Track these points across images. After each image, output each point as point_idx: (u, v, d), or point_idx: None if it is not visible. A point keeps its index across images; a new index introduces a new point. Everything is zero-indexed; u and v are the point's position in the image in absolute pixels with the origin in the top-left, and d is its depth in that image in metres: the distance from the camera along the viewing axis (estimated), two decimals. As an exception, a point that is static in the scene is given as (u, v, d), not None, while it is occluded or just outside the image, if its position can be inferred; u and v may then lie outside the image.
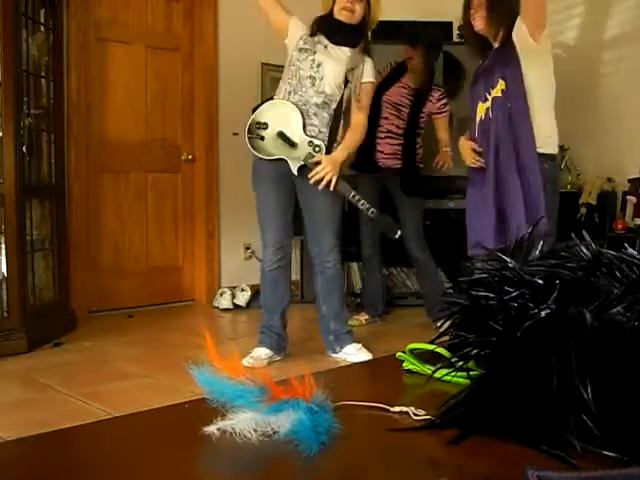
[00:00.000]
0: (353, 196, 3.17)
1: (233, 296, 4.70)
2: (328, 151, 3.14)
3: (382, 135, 4.06)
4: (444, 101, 4.10)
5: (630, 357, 0.79)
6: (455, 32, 4.96)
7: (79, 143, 4.24)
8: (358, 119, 3.25)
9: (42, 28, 3.80)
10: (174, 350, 3.45)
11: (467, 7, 2.95)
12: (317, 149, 3.11)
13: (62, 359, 3.34)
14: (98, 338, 3.75)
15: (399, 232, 3.18)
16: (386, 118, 4.06)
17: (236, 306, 4.67)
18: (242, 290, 4.72)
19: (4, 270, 3.43)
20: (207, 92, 4.79)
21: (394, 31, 4.34)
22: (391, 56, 4.20)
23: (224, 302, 4.66)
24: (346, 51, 3.21)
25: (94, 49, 4.34)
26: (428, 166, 4.13)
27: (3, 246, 3.42)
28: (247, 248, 4.96)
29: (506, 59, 2.81)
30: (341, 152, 3.16)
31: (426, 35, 4.13)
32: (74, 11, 4.16)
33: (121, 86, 4.49)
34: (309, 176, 3.09)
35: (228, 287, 4.78)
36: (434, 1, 4.97)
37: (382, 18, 4.70)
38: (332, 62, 3.16)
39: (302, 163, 3.11)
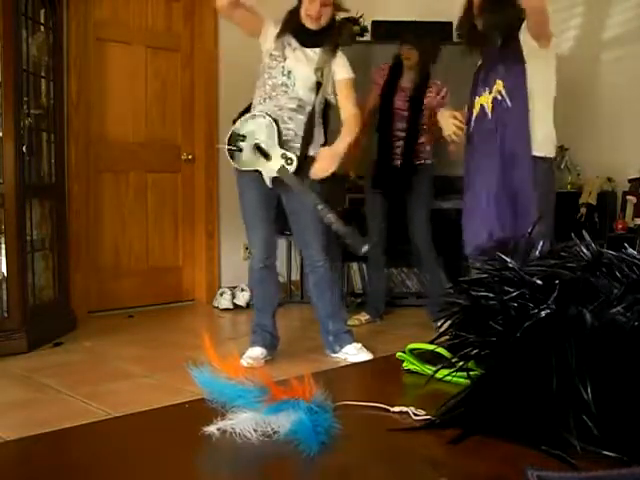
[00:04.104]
0: (321, 208, 3.04)
1: (233, 296, 4.70)
2: (303, 153, 3.13)
3: (396, 139, 4.07)
4: (443, 93, 4.09)
5: (630, 357, 0.79)
6: (455, 32, 4.95)
7: (79, 143, 4.24)
8: (347, 111, 3.25)
9: (42, 28, 3.80)
10: (174, 350, 3.45)
11: (469, 5, 2.95)
12: (290, 161, 3.10)
13: (62, 359, 3.34)
14: (98, 338, 3.74)
15: (366, 247, 3.08)
16: (398, 122, 4.07)
17: (236, 306, 4.67)
18: (242, 290, 4.71)
19: (4, 270, 3.43)
20: (207, 92, 4.79)
21: (394, 31, 4.33)
22: (391, 56, 4.19)
23: (224, 302, 4.66)
24: (317, 51, 3.20)
25: (94, 49, 4.34)
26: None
27: (3, 246, 3.42)
28: (247, 248, 4.94)
29: (508, 60, 2.81)
30: (341, 144, 3.19)
31: (426, 37, 4.11)
32: (74, 11, 4.16)
33: (121, 86, 4.48)
34: (310, 173, 3.12)
35: (228, 287, 4.77)
36: (434, 1, 4.97)
37: (382, 18, 4.68)
38: (302, 66, 3.16)
39: (275, 175, 3.12)
